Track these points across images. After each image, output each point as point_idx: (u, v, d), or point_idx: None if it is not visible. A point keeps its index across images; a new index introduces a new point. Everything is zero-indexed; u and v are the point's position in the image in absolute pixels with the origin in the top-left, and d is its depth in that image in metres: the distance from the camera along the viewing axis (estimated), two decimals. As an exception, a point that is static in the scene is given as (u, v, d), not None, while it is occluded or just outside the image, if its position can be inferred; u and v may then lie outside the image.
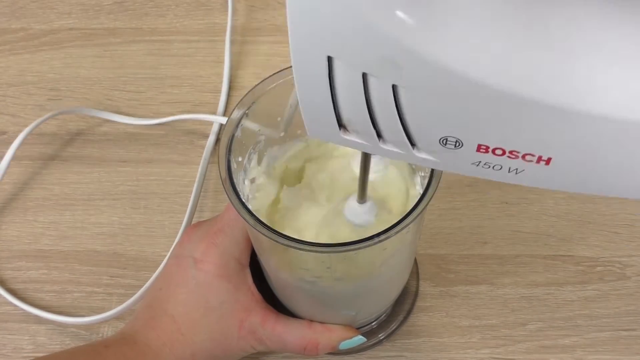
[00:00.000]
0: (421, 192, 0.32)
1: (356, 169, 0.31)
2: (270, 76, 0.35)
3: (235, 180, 0.33)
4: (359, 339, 0.39)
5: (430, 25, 0.19)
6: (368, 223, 0.34)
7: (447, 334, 0.44)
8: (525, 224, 0.48)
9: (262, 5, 0.63)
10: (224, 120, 0.53)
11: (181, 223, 0.48)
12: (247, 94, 0.34)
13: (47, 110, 0.53)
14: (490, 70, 0.20)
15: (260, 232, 0.31)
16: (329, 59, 0.21)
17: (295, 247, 0.30)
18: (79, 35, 0.61)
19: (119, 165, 0.53)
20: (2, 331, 0.46)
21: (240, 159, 0.36)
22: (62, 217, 0.51)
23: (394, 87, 0.21)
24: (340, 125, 0.24)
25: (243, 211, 0.31)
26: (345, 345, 0.39)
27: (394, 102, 0.22)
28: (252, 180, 0.38)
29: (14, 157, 0.51)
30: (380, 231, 0.30)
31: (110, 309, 0.45)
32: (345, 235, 0.35)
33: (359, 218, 0.34)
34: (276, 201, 0.38)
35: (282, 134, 0.38)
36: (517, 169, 0.23)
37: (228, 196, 0.32)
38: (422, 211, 0.30)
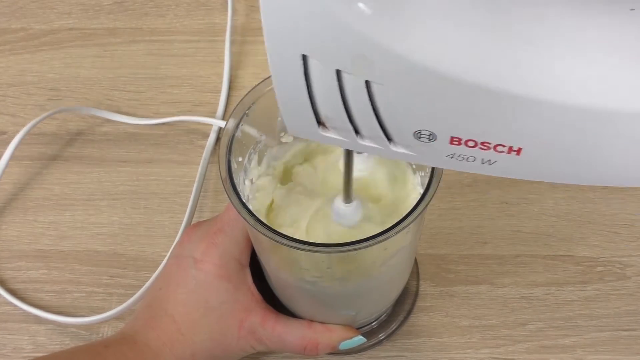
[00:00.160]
0: (421, 192, 0.32)
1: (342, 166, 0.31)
2: (270, 76, 0.35)
3: (235, 181, 0.33)
4: (359, 339, 0.39)
5: (395, 19, 0.20)
6: (355, 223, 0.34)
7: (447, 334, 0.44)
8: (525, 224, 0.48)
9: (262, 5, 0.63)
10: (222, 123, 0.53)
11: (181, 223, 0.48)
12: (247, 94, 0.34)
13: (47, 111, 0.53)
14: (457, 64, 0.20)
15: (261, 232, 0.30)
16: (304, 57, 0.21)
17: (296, 247, 0.30)
18: (79, 35, 0.61)
19: (119, 165, 0.53)
20: (2, 331, 0.46)
21: (240, 159, 0.36)
22: (62, 217, 0.51)
23: (367, 83, 0.22)
24: (319, 122, 0.24)
25: (243, 211, 0.31)
26: (345, 345, 0.39)
27: (368, 98, 0.22)
28: (252, 181, 0.38)
29: (14, 157, 0.51)
30: (380, 231, 0.30)
31: (110, 309, 0.45)
32: (339, 231, 0.35)
33: (346, 219, 0.34)
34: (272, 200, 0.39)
35: (281, 135, 0.38)
36: (489, 160, 0.23)
37: (228, 196, 0.32)
38: (422, 211, 0.30)
